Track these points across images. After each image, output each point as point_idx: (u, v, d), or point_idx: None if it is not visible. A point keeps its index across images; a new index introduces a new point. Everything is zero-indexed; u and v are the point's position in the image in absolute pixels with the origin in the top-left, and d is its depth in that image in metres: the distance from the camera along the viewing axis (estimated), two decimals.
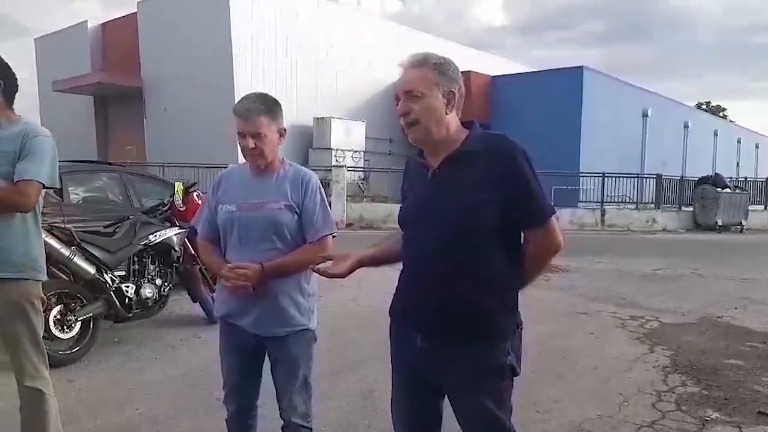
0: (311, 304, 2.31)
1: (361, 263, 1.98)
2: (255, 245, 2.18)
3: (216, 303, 2.48)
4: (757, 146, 38.02)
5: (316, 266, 1.96)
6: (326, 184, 15.49)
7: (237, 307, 2.24)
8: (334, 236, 2.28)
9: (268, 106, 2.21)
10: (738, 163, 34.13)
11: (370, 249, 2.06)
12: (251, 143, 2.17)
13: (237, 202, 2.24)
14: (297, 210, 2.22)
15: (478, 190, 1.68)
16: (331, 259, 1.98)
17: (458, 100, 1.79)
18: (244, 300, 2.19)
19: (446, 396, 1.87)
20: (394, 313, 1.94)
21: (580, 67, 21.60)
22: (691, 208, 17.91)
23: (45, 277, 2.51)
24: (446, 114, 1.76)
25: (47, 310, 4.05)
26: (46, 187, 2.40)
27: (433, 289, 1.76)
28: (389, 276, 2.11)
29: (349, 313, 5.96)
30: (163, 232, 5.00)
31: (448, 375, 1.79)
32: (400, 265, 1.93)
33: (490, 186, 1.68)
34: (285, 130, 2.28)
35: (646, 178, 19.09)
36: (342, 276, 1.93)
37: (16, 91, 2.48)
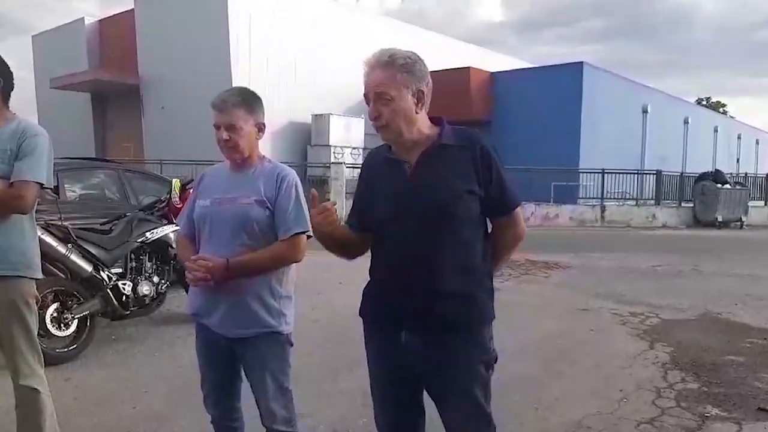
0: (283, 306, 2.19)
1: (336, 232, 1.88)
2: (225, 241, 2.12)
3: (187, 300, 2.41)
4: (757, 142, 38.02)
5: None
6: (325, 181, 15.49)
7: (203, 305, 2.18)
8: (309, 236, 2.14)
9: (245, 98, 2.17)
10: (738, 159, 34.12)
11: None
12: (225, 135, 2.13)
13: (211, 197, 2.20)
14: (269, 206, 2.14)
15: (460, 180, 1.74)
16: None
17: (427, 97, 1.80)
18: (210, 297, 2.13)
19: (427, 391, 1.88)
20: (370, 315, 1.93)
21: (580, 63, 21.55)
22: (691, 205, 17.90)
23: (40, 275, 2.50)
24: (416, 113, 1.77)
25: (44, 308, 4.04)
26: (44, 187, 2.39)
27: (418, 282, 1.76)
28: None
29: (351, 310, 5.90)
30: (160, 229, 4.98)
31: (437, 366, 1.80)
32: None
33: (470, 176, 1.75)
34: (264, 125, 2.23)
35: (646, 174, 19.09)
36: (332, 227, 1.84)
37: (12, 89, 2.48)
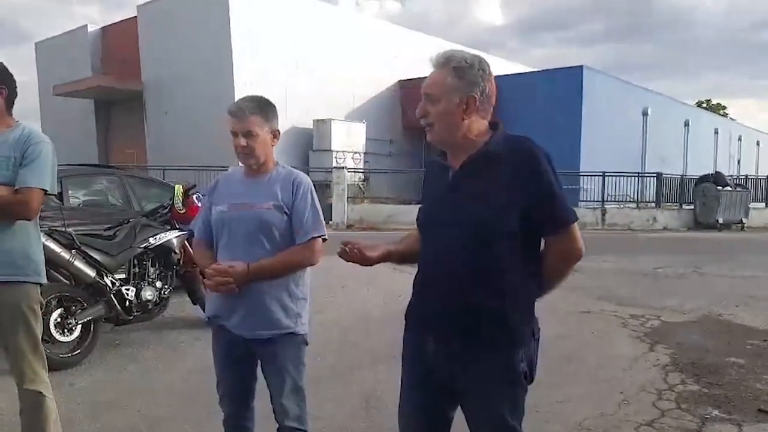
0: (300, 308, 2.28)
1: (390, 255, 1.97)
2: (244, 246, 2.19)
3: (206, 303, 2.50)
4: (758, 144, 37.95)
5: (344, 249, 1.89)
6: (327, 186, 15.52)
7: (223, 308, 2.25)
8: (324, 239, 2.27)
9: (261, 106, 2.23)
10: (739, 161, 34.06)
11: (399, 244, 2.02)
12: (242, 141, 2.19)
13: (229, 202, 2.25)
14: (286, 211, 2.22)
15: (499, 193, 1.65)
16: (348, 248, 1.90)
17: (481, 104, 1.73)
18: (230, 300, 2.19)
19: (458, 403, 1.84)
20: (408, 317, 1.91)
21: (580, 67, 21.56)
22: (692, 207, 17.88)
23: (45, 280, 2.54)
24: (463, 120, 1.72)
25: (48, 314, 4.07)
26: (48, 194, 2.43)
27: (449, 293, 1.73)
28: (397, 278, 2.12)
29: (356, 314, 5.96)
30: (163, 234, 5.01)
31: (462, 381, 1.76)
32: (409, 268, 1.91)
33: (512, 189, 1.64)
34: (279, 132, 2.29)
35: (647, 176, 19.07)
36: (369, 264, 1.91)
37: (16, 96, 2.52)
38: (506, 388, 1.74)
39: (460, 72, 1.70)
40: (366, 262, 1.91)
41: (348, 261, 1.91)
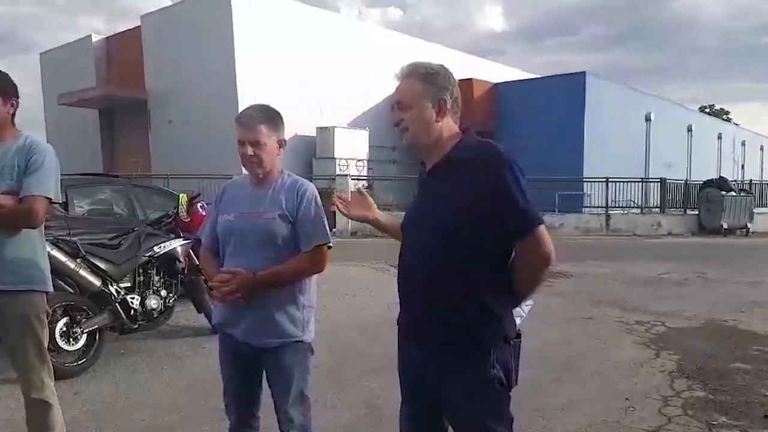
0: (306, 316, 2.29)
1: (369, 219, 2.25)
2: (250, 254, 2.20)
3: (213, 311, 2.51)
4: (761, 148, 37.89)
5: (337, 198, 2.25)
6: (330, 194, 15.50)
7: (229, 316, 2.26)
8: (330, 247, 2.28)
9: (269, 116, 2.24)
10: (743, 166, 34.00)
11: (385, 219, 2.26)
12: (250, 151, 2.20)
13: (235, 211, 2.27)
14: (291, 219, 2.23)
15: (459, 198, 1.68)
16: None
17: (452, 106, 1.81)
18: (236, 309, 2.20)
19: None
20: (398, 324, 1.95)
21: (583, 73, 21.62)
22: (696, 212, 17.82)
23: (51, 288, 2.55)
24: (437, 122, 1.79)
25: (53, 323, 4.08)
26: (52, 202, 2.45)
27: (417, 297, 1.78)
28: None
29: (357, 321, 5.95)
30: (167, 243, 5.03)
31: (443, 386, 1.79)
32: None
33: (472, 195, 1.66)
34: (285, 141, 2.31)
35: (651, 182, 19.05)
36: (351, 217, 2.27)
37: (18, 106, 2.54)
38: (483, 393, 1.74)
39: (429, 78, 1.79)
40: (350, 216, 2.27)
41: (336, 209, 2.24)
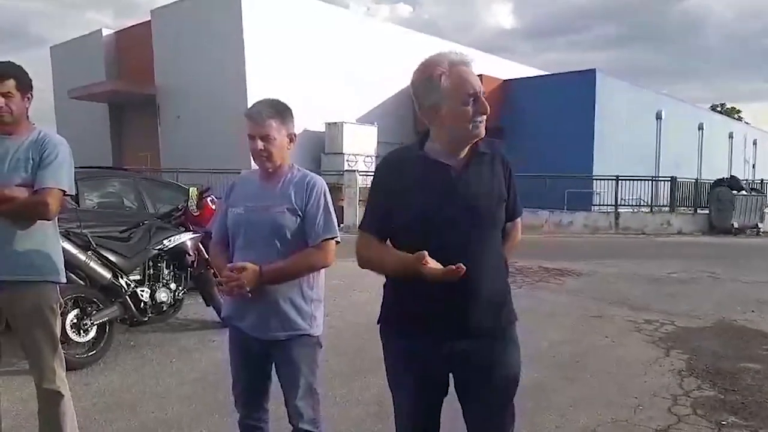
0: (314, 309, 2.30)
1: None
2: (259, 247, 2.20)
3: (223, 305, 2.51)
4: None
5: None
6: (339, 189, 15.54)
7: (238, 309, 2.27)
8: (337, 242, 2.29)
9: (278, 110, 2.25)
10: (754, 165, 33.70)
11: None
12: (260, 145, 2.20)
13: (245, 205, 2.28)
14: (299, 213, 2.23)
15: (497, 187, 1.87)
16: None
17: None
18: (244, 302, 2.20)
19: (461, 394, 1.91)
20: (396, 321, 1.92)
21: (593, 70, 21.47)
22: (706, 211, 17.68)
23: (64, 280, 2.58)
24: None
25: (64, 315, 4.11)
26: (66, 194, 2.46)
27: (459, 285, 1.68)
28: None
29: (365, 317, 5.94)
30: (177, 236, 5.06)
31: (478, 369, 1.86)
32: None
33: (503, 183, 1.89)
34: (295, 135, 2.31)
35: (661, 181, 18.93)
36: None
37: (31, 100, 2.56)
38: (519, 367, 1.93)
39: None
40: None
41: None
